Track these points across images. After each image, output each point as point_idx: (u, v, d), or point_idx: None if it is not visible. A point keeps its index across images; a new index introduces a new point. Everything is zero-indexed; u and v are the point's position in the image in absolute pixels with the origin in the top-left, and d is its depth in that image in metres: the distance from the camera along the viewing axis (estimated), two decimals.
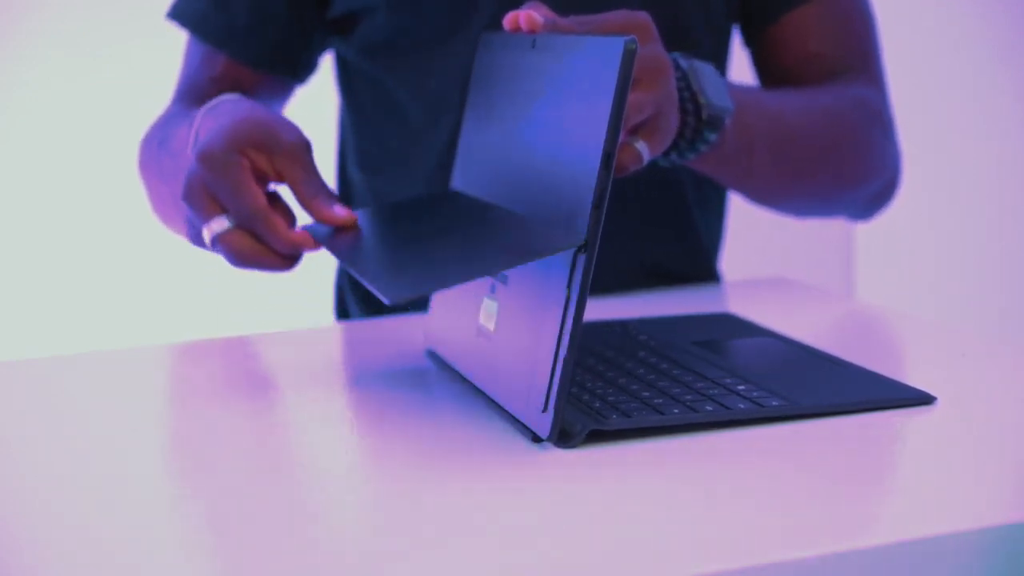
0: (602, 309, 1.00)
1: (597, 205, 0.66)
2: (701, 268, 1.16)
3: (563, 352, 0.66)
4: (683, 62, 0.90)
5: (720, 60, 1.16)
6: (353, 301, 1.20)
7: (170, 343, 0.99)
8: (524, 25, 0.79)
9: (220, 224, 0.82)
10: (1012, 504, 0.60)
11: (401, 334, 0.95)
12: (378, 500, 0.64)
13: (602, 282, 1.10)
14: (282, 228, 0.82)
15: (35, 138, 1.94)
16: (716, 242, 1.20)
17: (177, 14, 1.14)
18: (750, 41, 1.18)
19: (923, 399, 0.73)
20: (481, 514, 0.60)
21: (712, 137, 0.91)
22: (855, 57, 1.15)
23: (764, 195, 1.07)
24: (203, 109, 0.91)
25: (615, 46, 0.66)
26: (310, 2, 1.11)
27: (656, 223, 1.14)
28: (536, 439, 0.69)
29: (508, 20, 0.80)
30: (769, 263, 1.87)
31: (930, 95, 2.26)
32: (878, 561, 0.55)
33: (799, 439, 0.69)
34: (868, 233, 2.22)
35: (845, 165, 1.10)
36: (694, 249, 1.15)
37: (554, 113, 0.73)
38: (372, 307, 1.17)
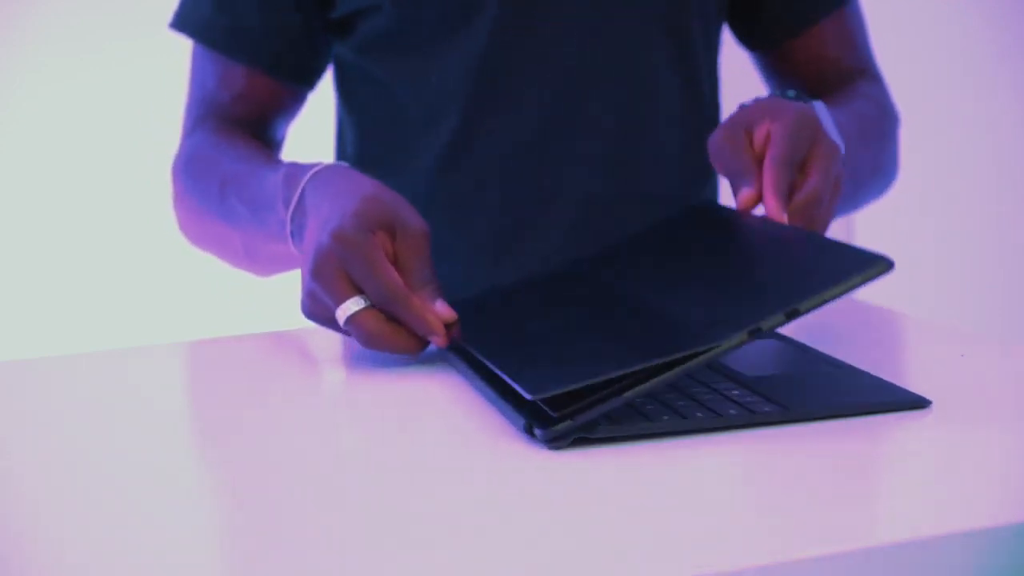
0: None
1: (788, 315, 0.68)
2: None
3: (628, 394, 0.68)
4: (812, 103, 0.91)
5: (710, 53, 1.16)
6: None
7: (170, 343, 0.99)
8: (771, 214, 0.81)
9: (356, 304, 0.83)
10: (1012, 504, 0.60)
11: None
12: (378, 500, 0.64)
13: None
14: (420, 309, 0.83)
15: (35, 138, 1.94)
16: None
17: (182, 24, 1.13)
18: (763, 47, 1.19)
19: (917, 403, 0.73)
20: (480, 514, 0.60)
21: None
22: (862, 59, 1.18)
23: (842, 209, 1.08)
24: (305, 175, 0.91)
25: (873, 260, 0.69)
26: (315, 5, 1.11)
27: (653, 216, 1.14)
28: (528, 429, 0.69)
29: (744, 202, 0.82)
30: None
31: (930, 95, 2.26)
32: (878, 561, 0.55)
33: (798, 438, 0.69)
34: (868, 233, 2.22)
35: (889, 166, 1.13)
36: None
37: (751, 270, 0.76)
38: None
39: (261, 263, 1.07)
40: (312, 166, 0.92)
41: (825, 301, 0.68)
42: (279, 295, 1.94)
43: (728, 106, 1.24)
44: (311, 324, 0.93)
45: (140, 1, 1.89)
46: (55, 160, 1.95)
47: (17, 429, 0.78)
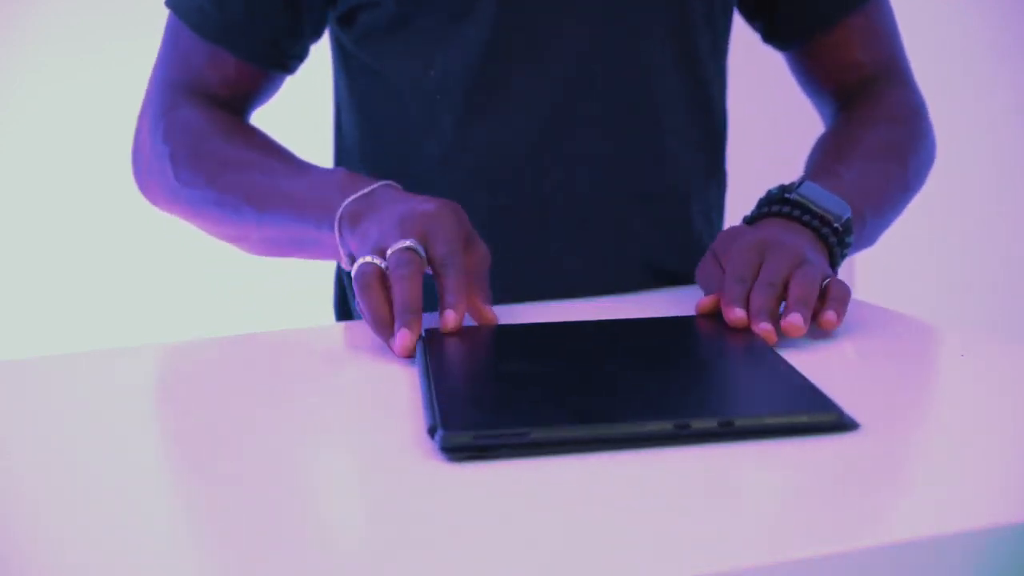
0: (600, 309, 1.00)
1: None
2: None
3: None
4: (794, 195, 0.98)
5: (716, 54, 1.16)
6: (354, 301, 1.20)
7: (170, 342, 0.99)
8: (765, 336, 0.85)
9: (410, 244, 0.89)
10: (1012, 504, 0.60)
11: None
12: (377, 500, 0.64)
13: (601, 282, 1.10)
14: (473, 293, 0.91)
15: (35, 138, 1.94)
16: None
17: (176, 5, 1.14)
18: (791, 48, 1.20)
19: (843, 426, 0.70)
20: (480, 514, 0.60)
21: (850, 239, 0.98)
22: (888, 62, 1.19)
23: (866, 245, 1.10)
24: (374, 182, 0.98)
25: (827, 409, 0.70)
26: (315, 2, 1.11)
27: (656, 223, 1.14)
28: (431, 431, 0.69)
29: (700, 306, 0.92)
30: None
31: (929, 95, 2.26)
32: (877, 561, 0.55)
33: (797, 437, 0.69)
34: None
35: (919, 178, 1.16)
36: (694, 249, 1.15)
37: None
38: None
39: (269, 248, 1.08)
40: (359, 184, 0.98)
41: (765, 426, 0.68)
42: (279, 295, 1.94)
43: (736, 108, 1.24)
44: (311, 324, 0.93)
45: (140, 1, 1.89)
46: (55, 160, 1.95)
47: (17, 429, 0.78)
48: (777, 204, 0.98)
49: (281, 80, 1.16)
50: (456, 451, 0.67)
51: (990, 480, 0.63)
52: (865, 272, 2.26)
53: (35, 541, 0.60)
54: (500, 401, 0.75)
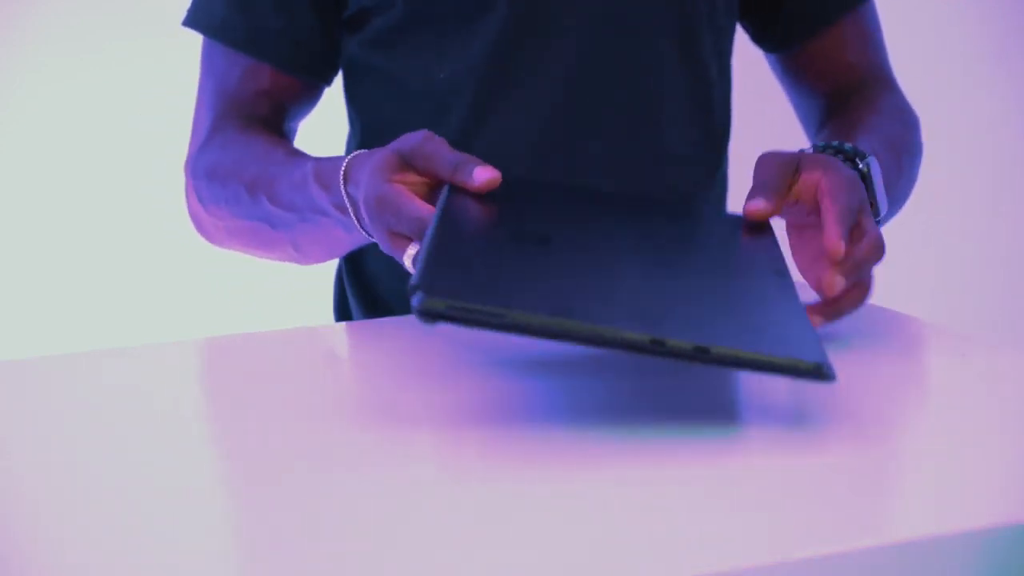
0: None
1: None
2: None
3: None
4: (863, 167, 0.94)
5: (721, 57, 1.16)
6: (354, 301, 1.20)
7: (169, 342, 0.99)
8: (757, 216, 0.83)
9: (413, 248, 0.84)
10: (1012, 504, 0.60)
11: (402, 335, 0.95)
12: (377, 500, 0.64)
13: None
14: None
15: (35, 138, 1.94)
16: None
17: (196, 22, 1.13)
18: (780, 51, 1.20)
19: (821, 375, 0.68)
20: (479, 514, 0.60)
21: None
22: (878, 66, 1.18)
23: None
24: (338, 172, 0.93)
25: (813, 355, 0.68)
26: (330, 1, 1.11)
27: None
28: (411, 290, 0.67)
29: (753, 210, 0.85)
30: None
31: (929, 94, 2.26)
32: (877, 561, 0.55)
33: (797, 437, 0.69)
34: None
35: (913, 174, 1.14)
36: None
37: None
38: (373, 308, 1.18)
39: (312, 255, 1.07)
40: (340, 160, 0.94)
41: (740, 359, 0.67)
42: (279, 295, 1.94)
43: (738, 107, 1.24)
44: (311, 324, 0.93)
45: (140, 1, 1.89)
46: (55, 160, 1.94)
47: (17, 429, 0.78)
48: (849, 162, 0.94)
49: (317, 92, 1.16)
50: (429, 316, 0.66)
51: (990, 480, 0.63)
52: None
53: (35, 541, 0.60)
54: (487, 274, 0.72)
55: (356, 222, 0.93)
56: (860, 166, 0.94)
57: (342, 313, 1.24)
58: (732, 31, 1.18)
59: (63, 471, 0.69)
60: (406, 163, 0.87)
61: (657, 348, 0.66)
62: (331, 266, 1.25)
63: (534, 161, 1.11)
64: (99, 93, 1.92)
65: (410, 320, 0.99)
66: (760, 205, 0.85)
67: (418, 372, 0.85)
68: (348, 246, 1.04)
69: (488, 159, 1.11)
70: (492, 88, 1.09)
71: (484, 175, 0.84)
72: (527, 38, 1.09)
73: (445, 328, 0.87)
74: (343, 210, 0.94)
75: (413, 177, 0.87)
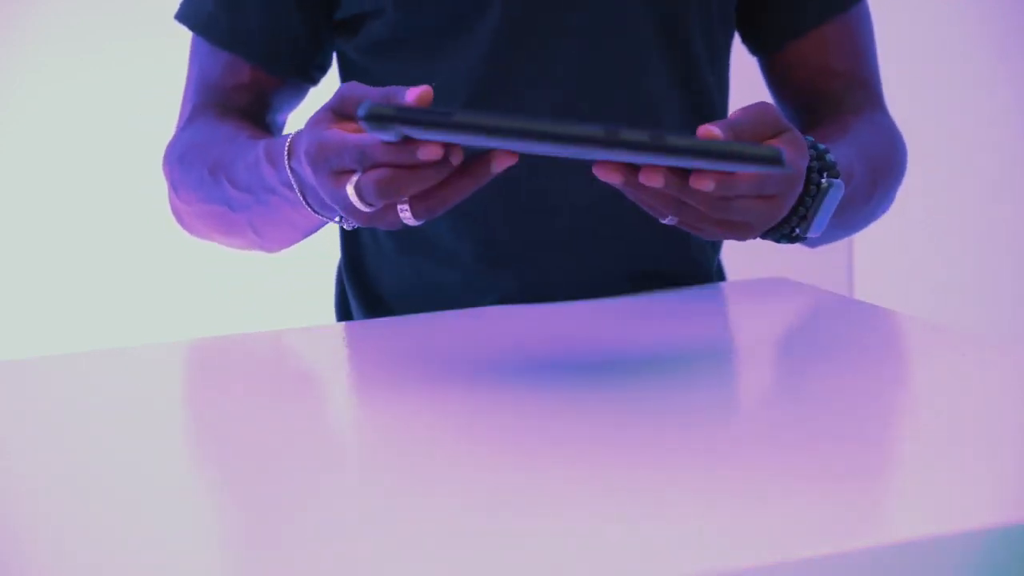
0: (594, 313, 1.00)
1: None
2: (698, 269, 1.16)
3: None
4: (829, 160, 0.90)
5: (717, 65, 1.16)
6: (354, 302, 1.20)
7: (169, 342, 0.99)
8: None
9: (357, 176, 0.80)
10: (1012, 504, 0.60)
11: (402, 335, 0.95)
12: (377, 501, 0.64)
13: (596, 284, 1.10)
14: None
15: (35, 138, 1.94)
16: (713, 242, 1.20)
17: (185, 17, 1.14)
18: (765, 53, 1.19)
19: (778, 159, 0.67)
20: (479, 514, 0.60)
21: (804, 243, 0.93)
22: (864, 79, 1.17)
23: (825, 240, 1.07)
24: (283, 149, 0.91)
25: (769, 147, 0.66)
26: (319, 5, 1.11)
27: (652, 228, 1.14)
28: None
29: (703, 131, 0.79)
30: (769, 263, 1.87)
31: (929, 94, 2.26)
32: (877, 561, 0.55)
33: (797, 437, 0.69)
34: (867, 233, 2.22)
35: (889, 196, 1.11)
36: (689, 250, 1.15)
37: None
38: (374, 308, 1.18)
39: (271, 239, 1.06)
40: (287, 137, 0.92)
41: (695, 147, 0.64)
42: (279, 295, 1.94)
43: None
44: (311, 324, 0.93)
45: (140, 1, 1.89)
46: (55, 160, 1.95)
47: (17, 429, 0.78)
48: (817, 173, 0.91)
49: (302, 90, 1.16)
50: (376, 120, 0.65)
51: (990, 480, 0.63)
52: (865, 272, 2.26)
53: (35, 541, 0.60)
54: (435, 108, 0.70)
55: (301, 196, 0.90)
56: (822, 181, 0.89)
57: (342, 313, 1.24)
58: (729, 39, 1.17)
59: (63, 471, 0.69)
60: (339, 114, 0.84)
61: (612, 139, 0.64)
62: (331, 266, 1.25)
63: (529, 167, 1.10)
64: (99, 93, 1.92)
65: (410, 320, 0.99)
66: (715, 132, 0.80)
67: (418, 372, 0.85)
68: (303, 228, 1.01)
69: None
70: (485, 95, 1.09)
71: (416, 91, 0.79)
72: (521, 48, 1.08)
73: (445, 326, 0.86)
74: (289, 187, 0.92)
75: (349, 125, 0.83)
